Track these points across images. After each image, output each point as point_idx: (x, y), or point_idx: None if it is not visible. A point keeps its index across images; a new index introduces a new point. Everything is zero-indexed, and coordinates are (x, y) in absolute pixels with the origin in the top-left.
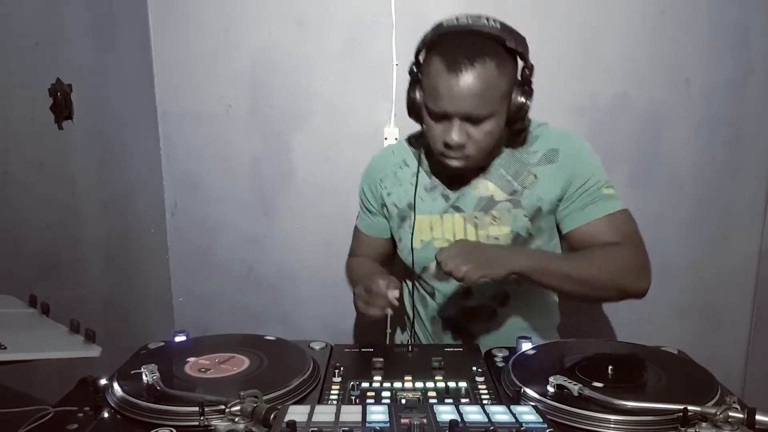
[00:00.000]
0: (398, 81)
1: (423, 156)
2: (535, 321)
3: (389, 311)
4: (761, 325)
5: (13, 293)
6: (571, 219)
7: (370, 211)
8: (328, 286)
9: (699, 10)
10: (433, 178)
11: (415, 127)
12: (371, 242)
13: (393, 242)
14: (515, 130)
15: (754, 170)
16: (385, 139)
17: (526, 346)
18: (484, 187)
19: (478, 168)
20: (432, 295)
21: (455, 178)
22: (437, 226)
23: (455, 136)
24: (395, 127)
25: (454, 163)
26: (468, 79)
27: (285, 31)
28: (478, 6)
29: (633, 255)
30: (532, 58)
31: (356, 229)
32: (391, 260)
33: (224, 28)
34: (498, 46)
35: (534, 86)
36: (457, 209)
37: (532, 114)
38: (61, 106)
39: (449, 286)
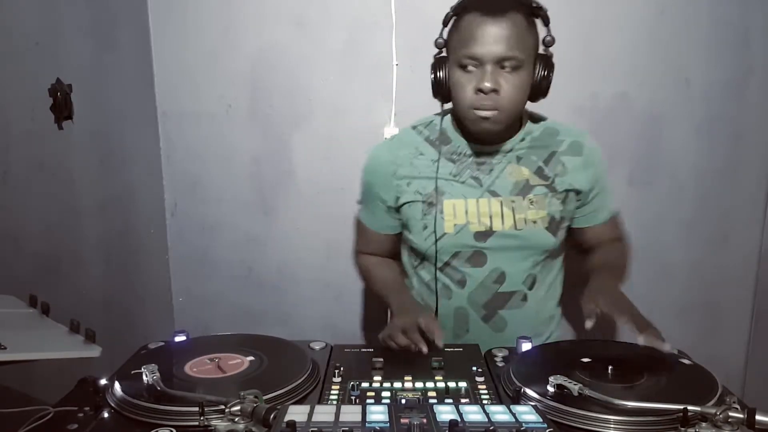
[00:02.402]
0: (398, 81)
1: (442, 141)
2: (549, 308)
3: (424, 349)
4: (761, 325)
5: (13, 293)
6: (585, 219)
7: (379, 207)
8: (328, 287)
9: (699, 10)
10: (460, 162)
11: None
12: (379, 238)
13: (400, 237)
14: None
15: (754, 170)
16: (385, 139)
17: (526, 346)
18: (518, 172)
19: (501, 136)
20: (461, 283)
21: (485, 160)
22: (473, 210)
23: (488, 80)
24: (395, 127)
25: (485, 113)
26: (502, 22)
27: (285, 31)
28: None
29: (628, 247)
30: None
31: (361, 225)
32: (398, 255)
33: (224, 28)
34: (527, 6)
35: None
36: (493, 193)
37: None
38: (61, 106)
39: (482, 271)
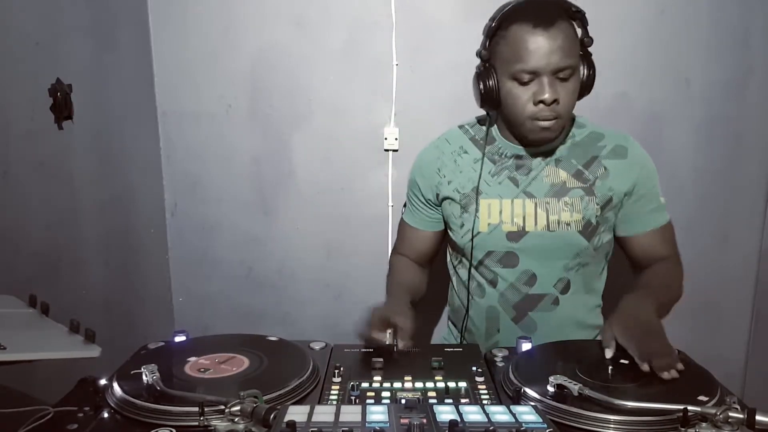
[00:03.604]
0: (398, 81)
1: (489, 139)
2: (588, 318)
3: (386, 342)
4: (761, 325)
5: (13, 293)
6: (630, 225)
7: (423, 204)
8: (328, 287)
9: (699, 10)
10: (500, 163)
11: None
12: (421, 236)
13: (442, 236)
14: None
15: (754, 170)
16: (385, 139)
17: (526, 346)
18: (555, 174)
19: (554, 144)
20: (493, 283)
21: (524, 162)
22: (507, 210)
23: (548, 92)
24: (395, 127)
25: (545, 124)
26: (553, 33)
27: (285, 31)
28: (479, 6)
29: (681, 271)
30: None
31: (403, 224)
32: (435, 257)
33: (224, 28)
34: (569, 12)
35: None
36: (528, 195)
37: None
38: (61, 106)
39: (514, 272)
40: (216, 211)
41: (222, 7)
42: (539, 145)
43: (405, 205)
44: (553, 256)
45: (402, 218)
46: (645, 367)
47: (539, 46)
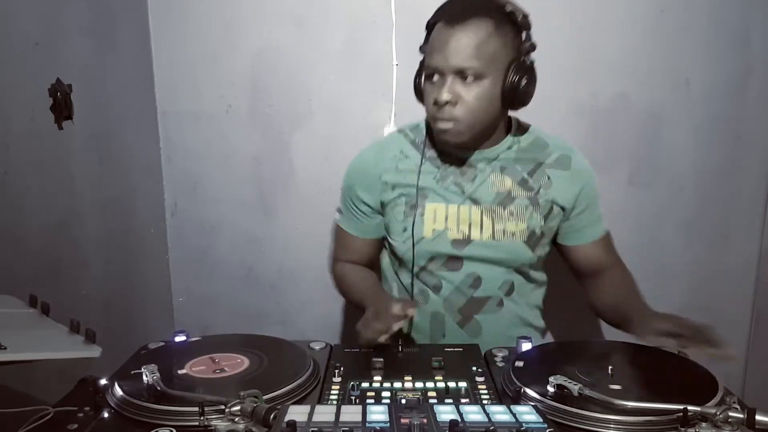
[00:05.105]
0: (398, 81)
1: (427, 145)
2: (532, 314)
3: (397, 327)
4: (761, 326)
5: (13, 293)
6: (573, 236)
7: (363, 212)
8: (328, 287)
9: (699, 10)
10: (444, 168)
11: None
12: (360, 244)
13: (380, 243)
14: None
15: (754, 170)
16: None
17: (526, 346)
18: (500, 181)
19: (472, 146)
20: (437, 289)
21: (468, 167)
22: (453, 216)
23: (444, 92)
24: (395, 127)
25: (443, 125)
26: (461, 31)
27: (285, 31)
28: None
29: (632, 275)
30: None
31: (341, 232)
32: (377, 262)
33: (224, 28)
34: (499, 12)
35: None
36: (475, 201)
37: (533, 115)
38: (61, 106)
39: (458, 276)
40: (216, 211)
41: (222, 7)
42: (451, 150)
43: (339, 211)
44: (497, 262)
45: (339, 226)
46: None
47: (446, 43)
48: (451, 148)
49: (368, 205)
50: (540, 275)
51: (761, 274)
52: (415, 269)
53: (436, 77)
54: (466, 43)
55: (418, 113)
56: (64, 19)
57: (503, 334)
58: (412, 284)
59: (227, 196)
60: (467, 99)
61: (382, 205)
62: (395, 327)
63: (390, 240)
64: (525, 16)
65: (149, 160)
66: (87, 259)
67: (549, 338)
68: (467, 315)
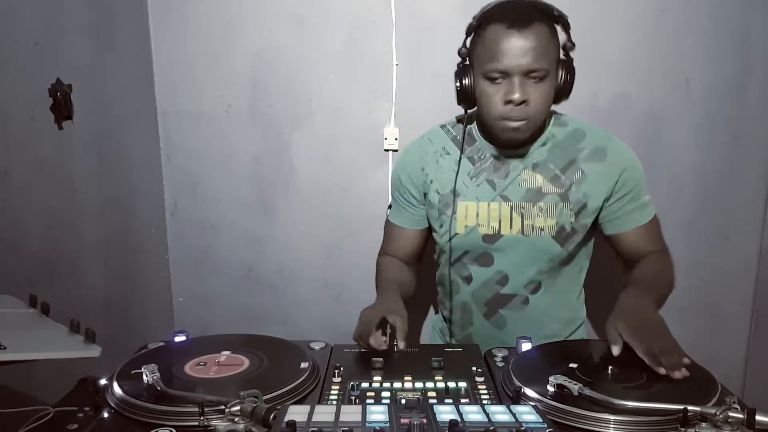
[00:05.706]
0: (398, 81)
1: (466, 141)
2: (562, 313)
3: (381, 347)
4: (761, 325)
5: (13, 293)
6: (615, 224)
7: (410, 203)
8: (328, 287)
9: (699, 10)
10: (480, 163)
11: (418, 126)
12: (407, 235)
13: (428, 233)
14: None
15: (754, 170)
16: (385, 139)
17: (526, 346)
18: (532, 178)
19: (529, 141)
20: (468, 280)
21: (503, 164)
22: (483, 213)
23: (517, 92)
24: (395, 127)
25: (514, 124)
26: (528, 34)
27: (285, 31)
28: (479, 7)
29: (671, 262)
30: None
31: (390, 225)
32: (422, 256)
33: (224, 28)
34: (549, 15)
35: None
36: (505, 198)
37: None
38: (61, 106)
39: (488, 272)
40: (216, 211)
41: (222, 7)
42: (511, 146)
43: (390, 207)
44: (526, 258)
45: (388, 219)
46: (661, 371)
47: (512, 46)
48: (501, 147)
49: (414, 196)
50: (574, 271)
51: (761, 274)
52: (451, 261)
53: (498, 79)
54: (533, 44)
55: (418, 113)
56: (64, 19)
57: (529, 328)
58: (449, 273)
59: (227, 196)
60: (536, 97)
61: (426, 197)
62: (379, 346)
63: (432, 231)
64: (566, 18)
65: (149, 160)
66: (87, 259)
67: (589, 329)
68: (493, 309)
